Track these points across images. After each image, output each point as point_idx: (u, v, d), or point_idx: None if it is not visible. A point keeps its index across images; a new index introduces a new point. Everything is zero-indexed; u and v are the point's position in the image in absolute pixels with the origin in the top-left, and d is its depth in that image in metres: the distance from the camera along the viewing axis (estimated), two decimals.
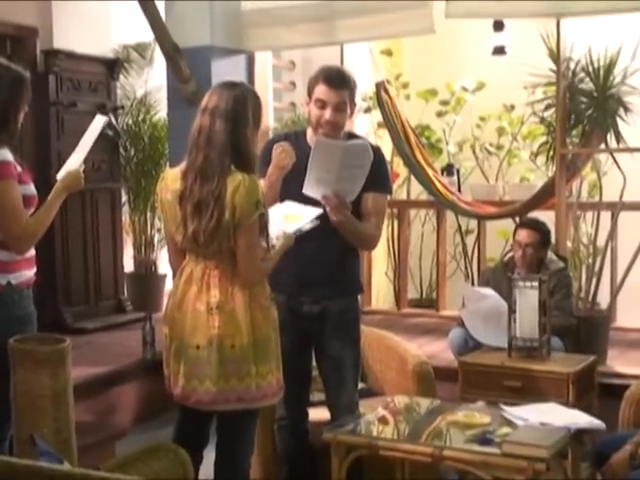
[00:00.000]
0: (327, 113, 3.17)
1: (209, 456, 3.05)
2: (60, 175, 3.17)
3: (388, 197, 3.40)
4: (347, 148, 3.00)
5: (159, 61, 6.24)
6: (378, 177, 3.21)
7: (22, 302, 3.01)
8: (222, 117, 2.79)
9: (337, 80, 3.18)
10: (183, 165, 2.88)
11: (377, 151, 3.27)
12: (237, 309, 2.82)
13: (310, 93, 3.23)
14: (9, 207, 2.93)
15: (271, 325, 2.91)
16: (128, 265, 6.62)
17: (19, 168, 3.02)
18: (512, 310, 4.06)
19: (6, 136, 3.01)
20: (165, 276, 6.58)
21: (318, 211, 3.06)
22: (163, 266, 6.63)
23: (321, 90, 3.18)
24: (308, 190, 3.06)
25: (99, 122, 3.27)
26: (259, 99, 2.91)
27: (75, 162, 3.20)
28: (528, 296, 4.03)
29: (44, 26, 5.95)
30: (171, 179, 2.91)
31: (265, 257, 2.88)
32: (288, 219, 3.04)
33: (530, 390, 3.89)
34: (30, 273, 3.07)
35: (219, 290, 2.83)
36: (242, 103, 2.81)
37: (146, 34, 5.95)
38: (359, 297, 3.48)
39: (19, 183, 2.98)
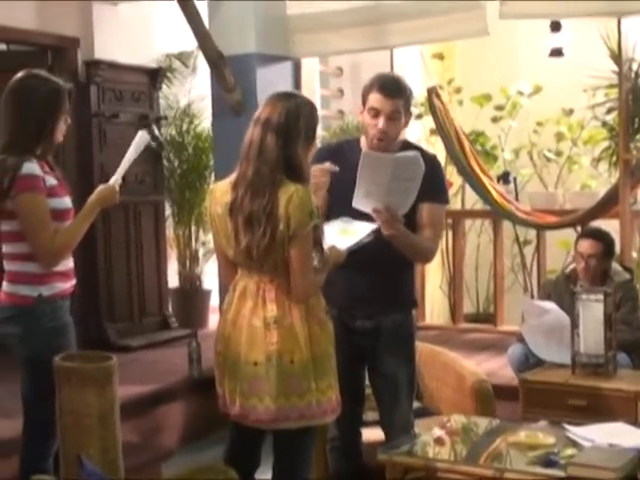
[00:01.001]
0: (380, 122, 3.18)
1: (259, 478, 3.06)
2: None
3: (445, 208, 3.38)
4: (396, 161, 3.00)
5: (202, 70, 6.31)
6: (433, 187, 3.20)
7: (55, 314, 3.05)
8: (273, 131, 2.80)
9: (392, 88, 3.19)
10: (233, 176, 2.91)
11: (433, 160, 3.27)
12: (295, 323, 2.84)
13: (364, 101, 3.24)
14: (36, 220, 2.98)
15: (329, 339, 2.93)
16: (172, 280, 6.69)
17: (54, 181, 3.07)
18: (575, 325, 4.02)
19: (42, 149, 3.07)
20: (210, 291, 6.63)
21: (373, 226, 3.06)
22: (208, 281, 6.68)
23: (375, 98, 3.19)
24: (358, 204, 3.07)
25: (142, 139, 3.31)
26: (314, 112, 2.92)
27: (115, 179, 3.23)
28: (592, 310, 3.98)
29: (85, 36, 6.05)
30: (220, 192, 2.94)
31: (318, 269, 2.89)
32: (343, 233, 3.06)
33: (596, 409, 3.83)
34: (65, 285, 3.11)
35: (276, 304, 2.85)
36: (295, 116, 2.83)
37: (189, 42, 6.03)
38: (413, 312, 3.47)
39: (52, 196, 3.03)
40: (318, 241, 2.86)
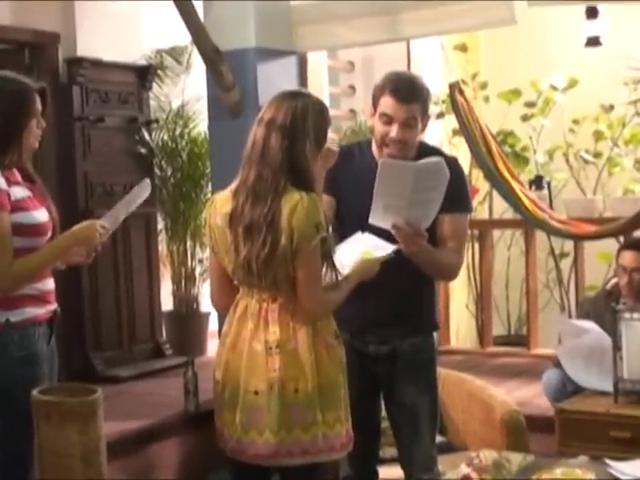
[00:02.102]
0: (393, 130, 3.17)
1: None
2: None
3: (468, 217, 3.38)
4: (418, 169, 2.99)
5: (197, 67, 6.33)
6: (456, 194, 3.20)
7: (25, 342, 3.03)
8: (278, 131, 2.82)
9: (406, 92, 3.17)
10: (234, 184, 2.93)
11: (454, 164, 3.27)
12: (300, 348, 2.84)
13: (375, 104, 3.23)
14: None
15: (338, 367, 2.92)
16: (166, 302, 6.69)
17: (25, 192, 3.07)
18: (617, 347, 4.01)
19: (11, 157, 3.04)
20: (209, 314, 6.64)
21: (394, 247, 3.06)
22: (206, 303, 6.69)
23: (387, 103, 3.18)
24: (375, 219, 3.06)
25: (142, 189, 3.32)
26: (325, 112, 2.92)
27: (103, 221, 3.22)
28: (637, 330, 3.97)
29: (66, 32, 6.08)
30: (221, 202, 2.95)
31: (331, 287, 2.89)
32: (361, 254, 3.04)
33: None
34: (38, 310, 3.09)
35: (279, 326, 2.86)
36: (302, 116, 2.84)
37: (182, 36, 6.05)
38: (435, 335, 3.46)
39: (19, 210, 3.01)
40: (327, 255, 2.86)
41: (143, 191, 3.33)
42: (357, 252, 3.05)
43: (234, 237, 2.87)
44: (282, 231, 2.78)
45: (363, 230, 3.14)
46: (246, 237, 2.84)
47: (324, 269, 2.88)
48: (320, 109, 2.91)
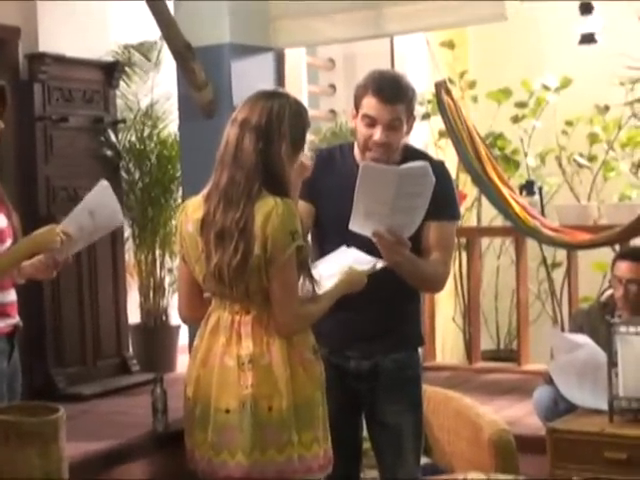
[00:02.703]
0: (377, 133, 3.17)
1: None
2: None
3: (456, 224, 3.39)
4: (402, 174, 3.00)
5: (167, 64, 6.33)
6: (442, 201, 3.21)
7: None
8: (252, 132, 2.83)
9: (390, 92, 3.18)
10: (207, 188, 2.93)
11: (441, 168, 3.28)
12: (274, 363, 2.85)
13: (357, 105, 3.24)
14: None
15: (316, 383, 2.93)
16: (133, 315, 6.67)
17: None
18: (613, 363, 4.02)
19: None
20: (179, 328, 6.62)
21: (380, 263, 3.07)
22: (176, 315, 6.66)
23: (370, 104, 3.19)
24: (355, 226, 3.06)
25: (102, 193, 3.31)
26: (303, 114, 2.94)
27: (63, 225, 3.21)
28: (633, 345, 3.98)
29: (27, 26, 6.05)
30: (193, 208, 2.96)
31: (309, 299, 2.90)
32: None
33: (638, 463, 3.83)
34: None
35: (252, 340, 2.86)
36: (278, 117, 2.85)
37: (151, 31, 6.05)
38: (420, 350, 3.47)
39: None
40: (304, 265, 2.87)
41: (103, 194, 3.31)
42: (340, 267, 3.06)
43: (205, 244, 2.88)
44: (255, 238, 2.79)
45: (344, 239, 3.14)
46: (217, 244, 2.85)
47: (300, 280, 2.89)
48: (298, 110, 2.93)
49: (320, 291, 2.94)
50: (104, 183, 3.34)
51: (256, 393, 2.83)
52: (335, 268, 3.05)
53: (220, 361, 2.89)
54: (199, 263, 2.92)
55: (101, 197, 3.32)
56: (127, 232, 6.69)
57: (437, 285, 3.42)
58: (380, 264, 3.08)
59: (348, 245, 3.15)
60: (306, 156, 3.02)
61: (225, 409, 2.86)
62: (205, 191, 2.94)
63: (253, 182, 2.82)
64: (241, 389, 2.84)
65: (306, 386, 2.89)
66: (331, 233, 3.23)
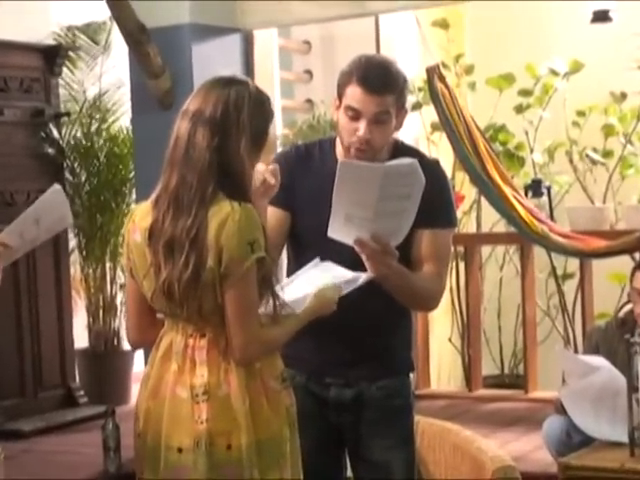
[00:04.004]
0: (361, 127, 3.16)
1: None
2: None
3: (453, 232, 3.39)
4: (387, 172, 2.99)
5: (118, 48, 6.32)
6: (437, 205, 3.20)
7: None
8: (206, 125, 2.81)
9: (378, 81, 3.16)
10: (156, 192, 2.92)
11: (435, 167, 3.27)
12: (233, 395, 2.82)
13: (340, 95, 3.22)
14: None
15: (283, 418, 2.90)
16: (80, 339, 6.66)
17: None
18: (633, 388, 4.03)
19: None
20: (133, 353, 6.61)
21: (364, 277, 3.06)
22: None
23: (355, 94, 3.17)
24: (335, 233, 3.05)
25: (54, 199, 3.31)
26: (265, 104, 2.92)
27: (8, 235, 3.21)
28: None
29: None
30: (141, 215, 2.94)
31: (272, 321, 2.89)
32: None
33: None
34: None
35: (207, 368, 2.83)
36: (236, 108, 2.83)
37: (99, 11, 6.04)
38: (411, 376, 3.46)
39: None
40: (266, 280, 2.85)
41: (54, 200, 3.32)
42: (316, 285, 3.05)
43: (154, 256, 2.86)
44: (209, 249, 2.77)
45: (325, 252, 3.13)
46: (167, 256, 2.82)
47: (264, 299, 2.86)
48: (259, 99, 2.91)
49: (289, 312, 2.92)
50: (56, 187, 3.35)
51: (212, 429, 2.80)
52: (309, 287, 3.04)
53: (172, 392, 2.86)
54: (147, 278, 2.90)
55: (50, 203, 3.33)
56: (72, 242, 6.67)
57: (430, 302, 3.41)
58: (363, 278, 3.07)
59: (330, 258, 3.14)
60: (269, 171, 3.02)
61: (177, 447, 2.84)
62: (154, 195, 2.92)
63: (206, 184, 2.80)
64: (195, 424, 2.81)
65: (271, 420, 2.86)
66: (310, 244, 3.22)
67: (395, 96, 3.19)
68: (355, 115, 3.17)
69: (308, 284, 3.05)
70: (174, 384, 2.87)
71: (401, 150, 3.30)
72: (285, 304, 2.93)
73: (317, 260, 3.14)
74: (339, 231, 3.06)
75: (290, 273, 3.22)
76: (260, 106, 2.90)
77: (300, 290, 3.02)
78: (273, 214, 3.13)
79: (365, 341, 3.27)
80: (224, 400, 2.83)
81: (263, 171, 3.03)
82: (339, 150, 3.28)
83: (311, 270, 3.14)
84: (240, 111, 2.84)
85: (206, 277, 2.78)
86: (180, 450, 2.84)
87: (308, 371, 3.24)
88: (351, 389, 3.29)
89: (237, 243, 2.76)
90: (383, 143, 3.21)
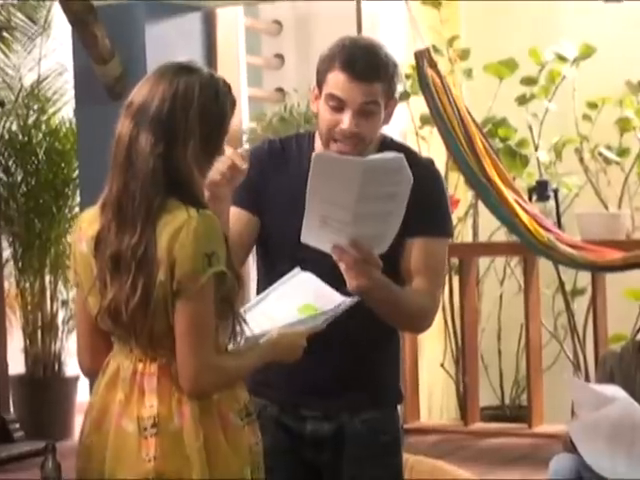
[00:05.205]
0: (345, 119, 3.14)
1: None
2: None
3: (448, 242, 3.38)
4: (367, 167, 2.97)
5: (60, 28, 6.31)
6: (430, 211, 3.20)
7: None
8: (150, 128, 2.78)
9: (365, 67, 3.14)
10: (103, 195, 2.90)
11: (428, 167, 3.28)
12: (186, 429, 2.79)
13: (320, 82, 3.21)
14: None
15: (244, 457, 2.87)
16: (15, 363, 6.63)
17: None
18: None
19: None
20: (77, 380, 6.60)
21: (349, 301, 3.04)
22: (73, 363, 6.64)
23: (338, 81, 3.15)
24: (309, 237, 3.04)
25: None
26: (221, 97, 2.86)
27: None
28: None
29: None
30: (88, 221, 2.91)
31: (235, 350, 2.87)
32: (300, 312, 3.02)
33: None
34: None
35: (157, 397, 2.81)
36: (184, 104, 2.80)
37: None
38: (399, 407, 3.46)
39: None
40: (227, 300, 2.83)
41: None
42: (293, 306, 3.03)
43: (100, 270, 2.84)
44: (159, 264, 2.75)
45: (300, 261, 3.12)
46: (113, 273, 2.81)
47: (224, 323, 2.85)
48: (212, 92, 2.87)
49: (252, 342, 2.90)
50: None
51: (161, 468, 2.78)
52: (287, 307, 3.02)
53: (117, 424, 2.84)
54: (93, 293, 2.87)
55: None
56: (7, 252, 6.65)
57: (421, 322, 3.39)
58: (347, 304, 3.05)
59: (303, 268, 3.14)
60: (237, 153, 2.99)
61: None
62: (101, 200, 2.90)
63: (152, 194, 2.77)
64: (142, 462, 2.79)
65: (229, 460, 2.84)
66: (282, 253, 3.21)
67: (384, 84, 3.17)
68: (338, 105, 3.16)
69: (286, 300, 3.04)
70: (119, 416, 2.85)
71: (390, 147, 3.28)
72: (248, 329, 2.90)
73: (297, 270, 3.12)
74: (314, 236, 3.03)
75: (260, 290, 3.20)
76: (213, 100, 2.85)
77: (277, 308, 3.00)
78: (238, 217, 3.12)
79: (346, 367, 3.26)
80: (175, 435, 2.80)
81: (231, 154, 3.00)
82: (318, 146, 3.27)
83: (291, 281, 3.12)
84: (190, 105, 2.80)
85: (157, 294, 2.75)
86: None
87: (280, 401, 3.23)
88: (330, 423, 3.28)
89: (192, 254, 2.73)
90: (370, 138, 3.20)
